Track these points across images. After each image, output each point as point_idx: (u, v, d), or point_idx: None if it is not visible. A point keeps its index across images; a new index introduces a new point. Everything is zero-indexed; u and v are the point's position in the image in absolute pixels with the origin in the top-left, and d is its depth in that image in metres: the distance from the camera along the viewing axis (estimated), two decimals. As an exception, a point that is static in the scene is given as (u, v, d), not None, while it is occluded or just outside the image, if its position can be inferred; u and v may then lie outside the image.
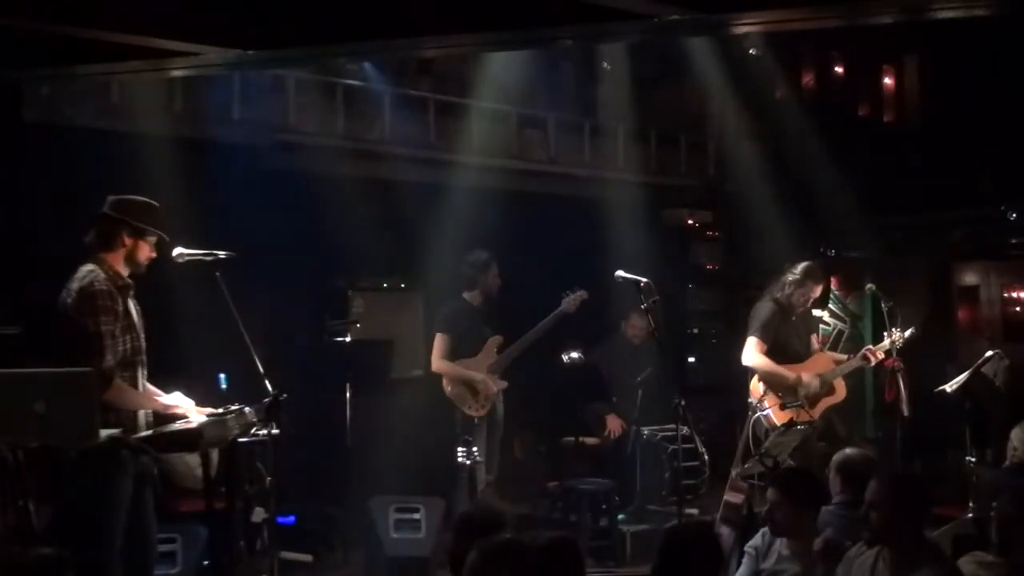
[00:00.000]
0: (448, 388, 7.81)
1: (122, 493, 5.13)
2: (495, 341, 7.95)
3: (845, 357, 8.00)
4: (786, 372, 7.48)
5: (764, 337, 7.50)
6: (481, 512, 4.42)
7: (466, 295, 7.97)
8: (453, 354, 7.86)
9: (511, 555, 3.61)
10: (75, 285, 5.14)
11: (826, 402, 7.63)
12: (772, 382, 7.44)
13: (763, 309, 7.61)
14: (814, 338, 7.97)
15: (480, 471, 7.59)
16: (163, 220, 5.43)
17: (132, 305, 5.32)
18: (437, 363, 7.84)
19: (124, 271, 5.30)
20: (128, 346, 5.22)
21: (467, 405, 7.79)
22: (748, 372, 7.64)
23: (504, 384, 7.92)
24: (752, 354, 7.51)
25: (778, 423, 7.12)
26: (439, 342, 7.86)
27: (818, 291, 7.77)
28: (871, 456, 5.81)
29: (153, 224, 5.35)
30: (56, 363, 5.06)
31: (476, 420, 7.75)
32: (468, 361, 7.87)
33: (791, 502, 5.22)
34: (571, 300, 7.96)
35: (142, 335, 5.35)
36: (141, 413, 5.28)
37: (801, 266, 7.65)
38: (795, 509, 5.21)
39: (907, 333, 7.57)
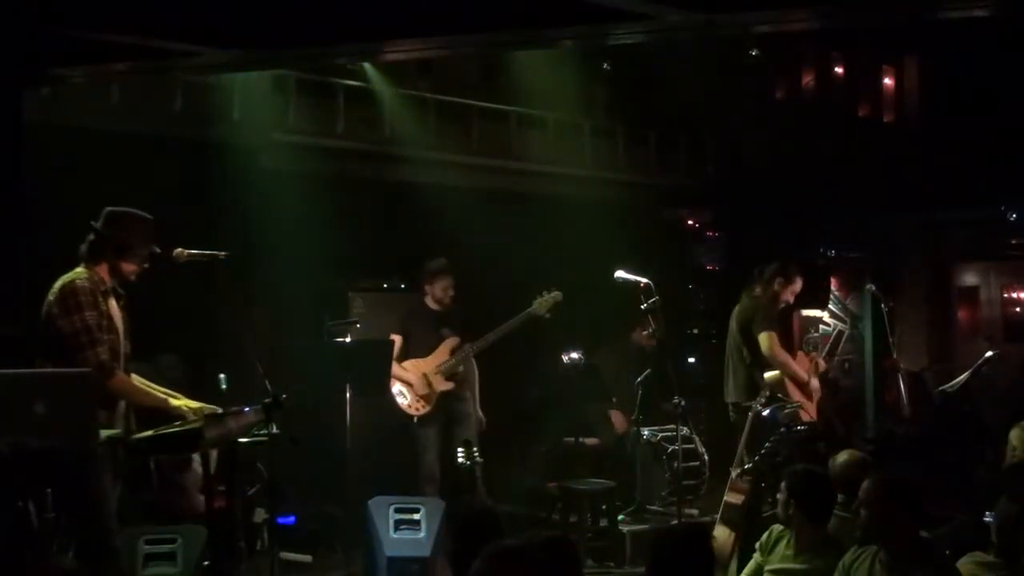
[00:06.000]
0: (392, 387, 7.84)
1: (110, 490, 5.13)
2: (450, 343, 7.95)
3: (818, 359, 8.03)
4: (802, 372, 7.58)
5: (775, 328, 7.56)
6: (478, 512, 4.42)
7: (426, 298, 8.00)
8: (405, 354, 7.88)
9: (513, 559, 3.61)
10: (57, 285, 5.15)
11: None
12: (791, 376, 7.51)
13: (753, 307, 7.67)
14: None
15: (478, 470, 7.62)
16: (153, 234, 5.35)
17: (116, 310, 5.26)
18: None
19: (110, 280, 5.27)
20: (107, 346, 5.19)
21: (406, 403, 7.83)
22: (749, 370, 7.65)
23: (449, 385, 7.85)
24: (776, 347, 7.52)
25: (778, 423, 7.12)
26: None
27: (793, 287, 7.77)
28: (867, 457, 5.81)
29: (142, 241, 5.29)
30: (49, 365, 5.05)
31: (416, 419, 7.79)
32: (419, 361, 7.87)
33: (796, 503, 5.21)
34: (542, 301, 7.91)
35: (124, 341, 5.28)
36: (120, 408, 5.23)
37: (770, 267, 7.73)
38: (801, 509, 5.20)
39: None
